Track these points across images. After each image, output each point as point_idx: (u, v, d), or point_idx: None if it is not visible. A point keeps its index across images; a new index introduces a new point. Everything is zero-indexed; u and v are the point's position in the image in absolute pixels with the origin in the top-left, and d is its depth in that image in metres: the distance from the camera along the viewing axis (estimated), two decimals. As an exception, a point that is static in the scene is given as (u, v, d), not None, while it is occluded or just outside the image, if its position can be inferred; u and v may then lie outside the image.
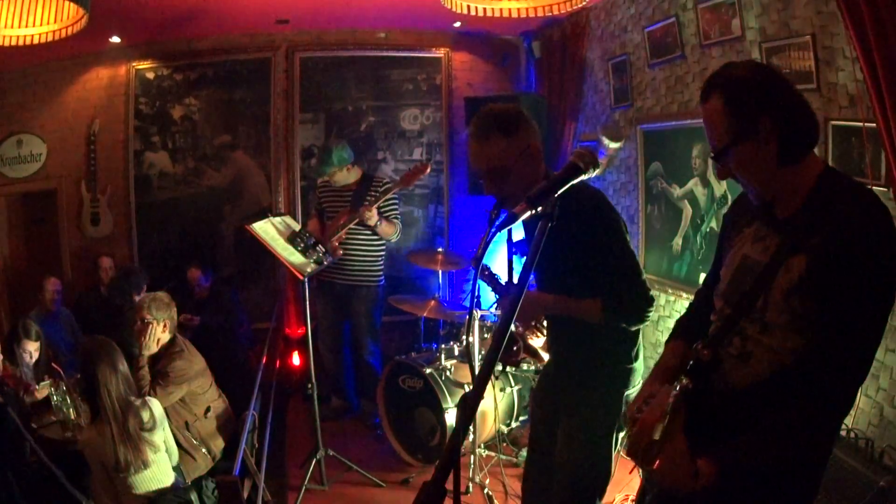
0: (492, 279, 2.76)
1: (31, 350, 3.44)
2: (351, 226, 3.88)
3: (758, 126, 1.28)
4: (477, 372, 1.32)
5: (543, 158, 2.03)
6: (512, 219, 1.33)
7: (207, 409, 3.08)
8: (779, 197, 1.38)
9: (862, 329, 1.26)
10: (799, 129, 1.32)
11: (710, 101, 1.34)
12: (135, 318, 2.98)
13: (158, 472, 2.57)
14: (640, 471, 1.77)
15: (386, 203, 3.92)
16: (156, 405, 2.66)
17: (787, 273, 1.31)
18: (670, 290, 3.72)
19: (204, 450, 3.00)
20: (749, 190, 1.42)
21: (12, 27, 2.79)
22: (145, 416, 2.56)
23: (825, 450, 1.42)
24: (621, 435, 2.10)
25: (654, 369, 1.63)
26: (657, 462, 1.32)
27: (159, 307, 2.97)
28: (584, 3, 2.85)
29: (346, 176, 4.05)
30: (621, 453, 2.18)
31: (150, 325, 2.92)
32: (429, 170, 3.74)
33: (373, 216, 3.81)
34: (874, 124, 2.19)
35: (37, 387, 3.23)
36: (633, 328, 2.01)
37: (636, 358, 2.09)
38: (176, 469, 2.73)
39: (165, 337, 2.99)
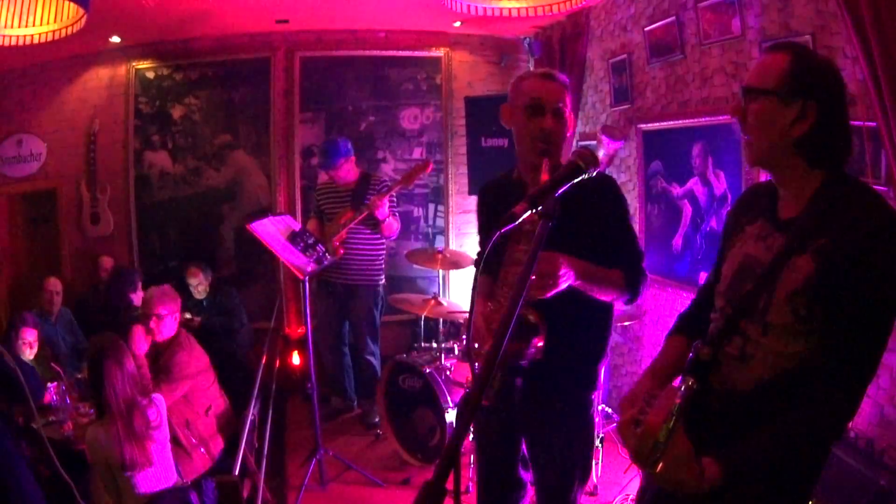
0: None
1: (30, 339, 3.42)
2: (352, 225, 3.87)
3: (803, 101, 1.29)
4: (477, 371, 1.31)
5: (562, 151, 2.00)
6: (511, 219, 1.32)
7: (208, 408, 3.08)
8: (780, 184, 1.39)
9: (872, 334, 1.25)
10: (829, 138, 1.32)
11: (777, 54, 1.34)
12: (148, 315, 2.98)
13: (162, 470, 2.57)
14: (641, 470, 1.76)
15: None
16: (161, 403, 2.66)
17: (791, 273, 1.30)
18: (670, 290, 3.71)
19: (202, 449, 3.00)
20: (748, 150, 1.40)
21: (12, 27, 2.80)
22: (151, 414, 2.56)
23: (826, 449, 1.41)
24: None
25: (651, 366, 1.61)
26: (660, 465, 1.30)
27: (173, 299, 3.03)
28: (583, 3, 2.86)
29: (351, 169, 4.05)
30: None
31: (165, 318, 2.95)
32: (430, 168, 3.73)
33: (383, 207, 3.79)
34: (874, 124, 2.19)
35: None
36: (630, 304, 1.97)
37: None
38: (176, 468, 2.73)
39: (173, 329, 3.00)
